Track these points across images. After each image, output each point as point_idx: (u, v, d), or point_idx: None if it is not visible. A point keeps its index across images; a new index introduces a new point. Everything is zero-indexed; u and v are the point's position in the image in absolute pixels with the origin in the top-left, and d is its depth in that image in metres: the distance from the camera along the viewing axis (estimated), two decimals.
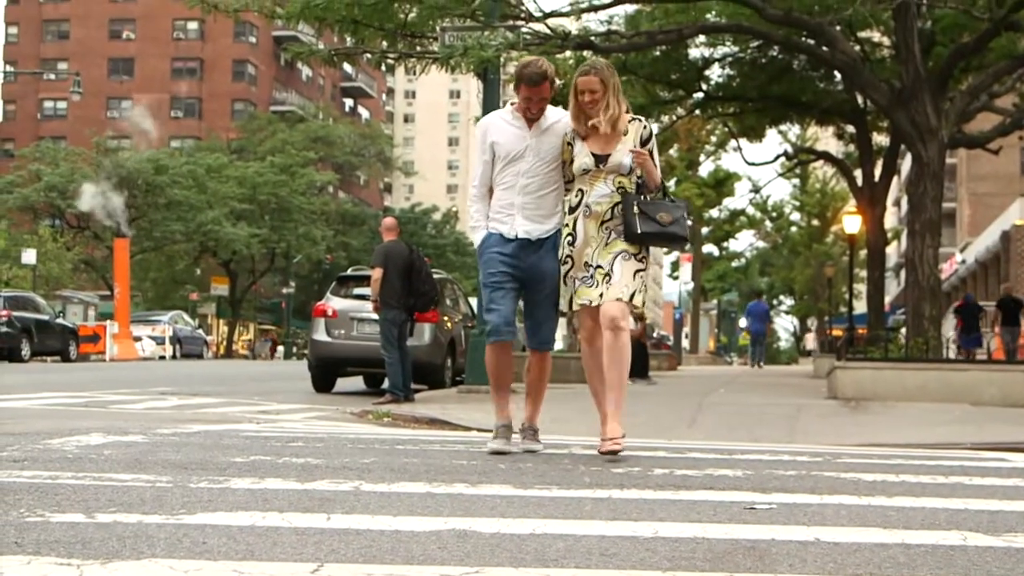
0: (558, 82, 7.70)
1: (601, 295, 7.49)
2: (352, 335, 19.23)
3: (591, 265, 7.56)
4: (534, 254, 7.74)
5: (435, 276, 17.64)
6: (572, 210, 7.67)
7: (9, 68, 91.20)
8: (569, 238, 7.64)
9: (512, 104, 7.91)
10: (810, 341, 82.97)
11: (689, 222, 8.07)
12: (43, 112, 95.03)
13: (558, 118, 7.83)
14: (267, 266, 79.41)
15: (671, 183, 57.88)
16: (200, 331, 56.46)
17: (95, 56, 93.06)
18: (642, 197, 7.61)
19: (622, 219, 7.54)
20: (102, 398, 15.01)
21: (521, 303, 8.08)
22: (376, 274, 16.08)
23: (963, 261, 59.85)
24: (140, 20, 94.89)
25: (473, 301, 21.16)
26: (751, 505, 5.52)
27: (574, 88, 7.61)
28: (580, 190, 7.63)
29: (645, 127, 7.78)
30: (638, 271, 7.59)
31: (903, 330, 29.48)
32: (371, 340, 17.97)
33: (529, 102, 7.67)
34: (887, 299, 45.93)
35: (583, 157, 7.61)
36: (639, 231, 7.47)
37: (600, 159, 7.58)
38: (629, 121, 7.72)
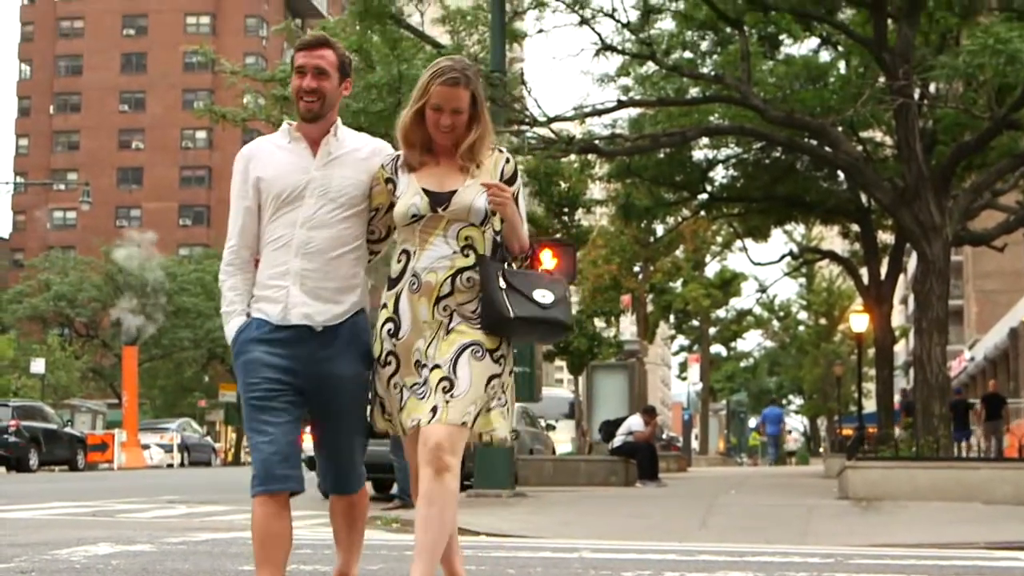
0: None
1: (434, 410, 4.85)
2: None
3: (424, 365, 4.94)
4: (321, 349, 5.05)
5: None
6: (393, 283, 5.05)
7: (19, 179, 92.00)
8: (390, 326, 5.01)
9: (289, 124, 5.26)
10: (791, 442, 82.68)
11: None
12: (52, 222, 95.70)
13: (362, 144, 5.26)
14: None
15: (677, 284, 58.00)
16: (208, 438, 56.38)
17: (104, 166, 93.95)
18: (506, 265, 5.06)
19: (478, 296, 4.97)
20: (110, 507, 14.96)
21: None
22: None
23: (972, 358, 59.70)
24: (149, 130, 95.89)
25: None
26: None
27: (423, 95, 5.01)
28: (405, 251, 5.02)
29: (508, 160, 5.14)
30: (494, 377, 4.96)
31: (898, 431, 29.40)
32: (379, 444, 17.89)
33: (303, 76, 5.09)
34: (896, 397, 45.79)
35: (411, 197, 5.00)
36: (511, 314, 4.90)
37: (439, 199, 4.97)
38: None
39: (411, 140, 5.11)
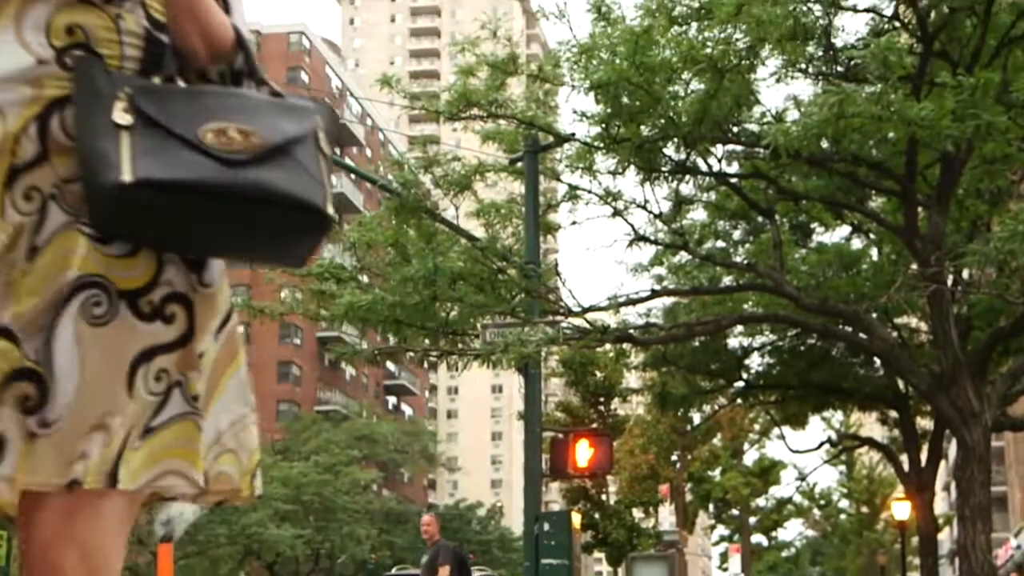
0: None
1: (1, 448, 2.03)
2: None
3: None
4: None
5: (481, 573, 17.57)
6: None
7: None
8: None
9: None
10: None
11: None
12: None
13: None
14: (311, 567, 78.50)
15: (715, 473, 57.31)
16: None
17: None
18: (154, 79, 2.17)
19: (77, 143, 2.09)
20: None
21: None
22: (445, 572, 16.03)
23: (1018, 546, 58.62)
24: None
25: None
26: None
27: None
28: None
29: None
30: (147, 356, 2.12)
31: None
32: None
33: None
34: None
35: None
36: (126, 177, 2.00)
37: None
38: None
39: None
